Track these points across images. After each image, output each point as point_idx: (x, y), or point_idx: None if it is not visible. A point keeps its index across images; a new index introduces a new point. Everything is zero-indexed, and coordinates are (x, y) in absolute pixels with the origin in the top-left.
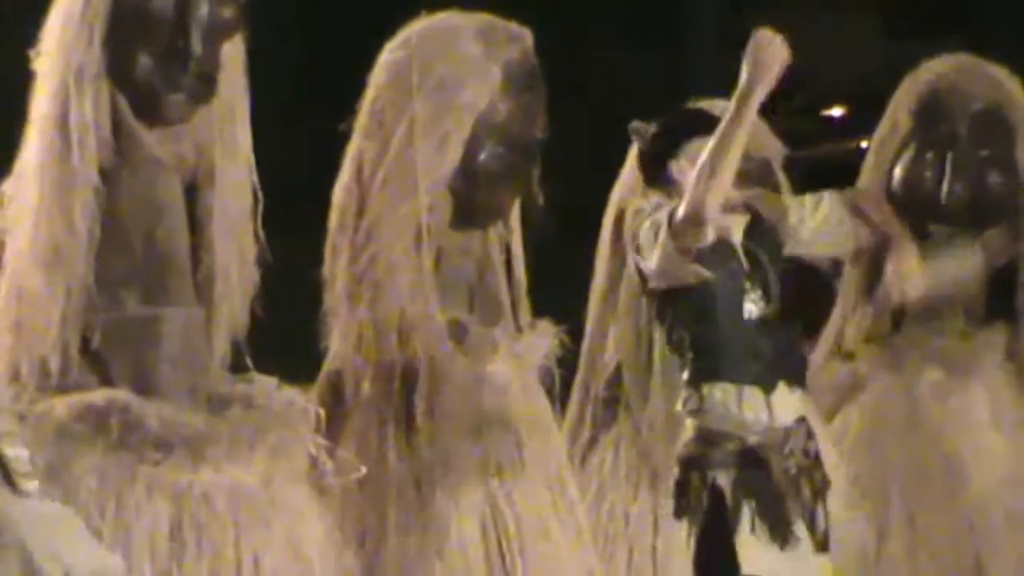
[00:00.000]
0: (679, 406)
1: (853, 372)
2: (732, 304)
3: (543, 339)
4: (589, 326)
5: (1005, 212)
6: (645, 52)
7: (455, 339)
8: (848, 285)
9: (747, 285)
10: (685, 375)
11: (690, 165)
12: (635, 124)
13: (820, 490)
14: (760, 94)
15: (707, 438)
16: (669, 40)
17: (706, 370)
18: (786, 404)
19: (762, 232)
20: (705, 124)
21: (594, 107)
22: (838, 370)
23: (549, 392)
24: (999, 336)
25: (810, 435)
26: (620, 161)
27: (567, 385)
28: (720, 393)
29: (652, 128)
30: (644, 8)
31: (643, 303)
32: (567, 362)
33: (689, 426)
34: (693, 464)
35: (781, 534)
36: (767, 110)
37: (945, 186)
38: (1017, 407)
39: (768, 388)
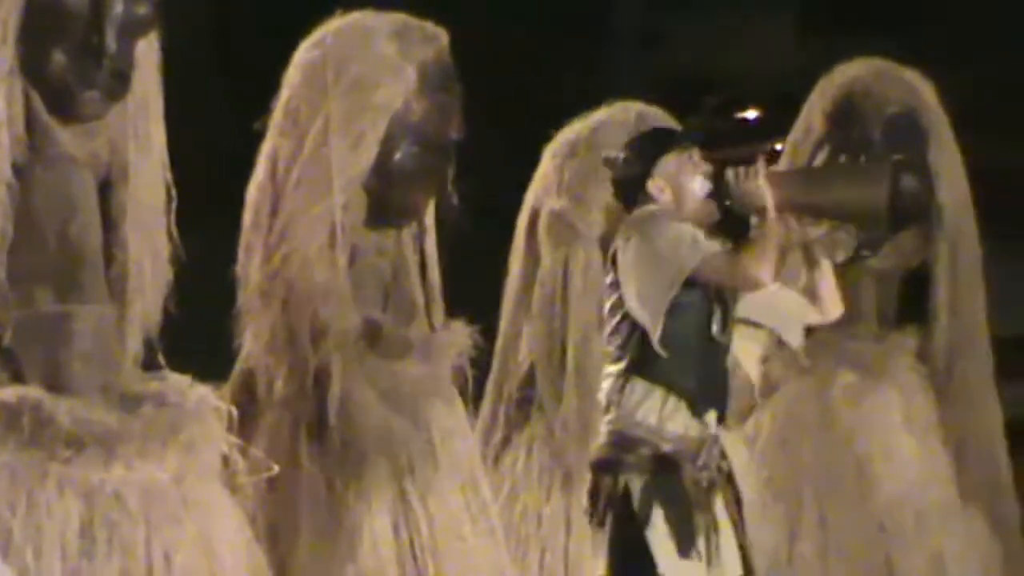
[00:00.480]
0: (599, 395)
1: (766, 375)
2: (702, 319)
3: (457, 339)
4: (503, 326)
5: (918, 215)
6: (562, 52)
7: (369, 339)
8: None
9: (714, 307)
10: (620, 365)
11: (665, 182)
12: (606, 155)
13: (734, 506)
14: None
15: (620, 443)
16: (587, 40)
17: (646, 367)
18: (709, 427)
19: None
20: (671, 140)
21: (511, 107)
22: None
23: (462, 392)
24: (911, 339)
25: (723, 454)
26: (535, 161)
27: (480, 385)
28: (643, 393)
29: (622, 154)
30: (561, 8)
31: (557, 304)
32: (480, 362)
33: (603, 431)
34: (604, 468)
35: (685, 543)
36: (682, 110)
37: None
38: (928, 409)
39: (698, 410)
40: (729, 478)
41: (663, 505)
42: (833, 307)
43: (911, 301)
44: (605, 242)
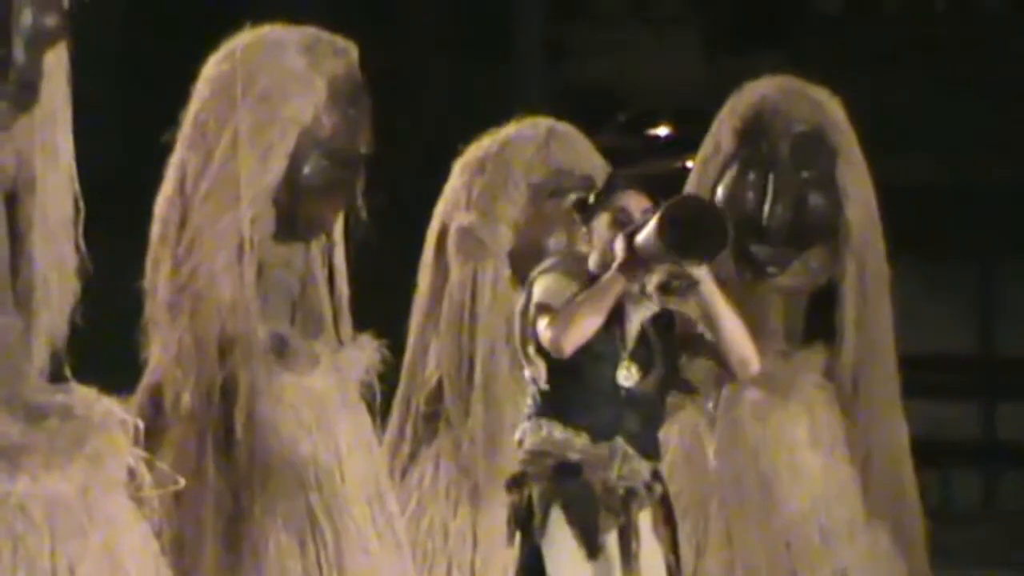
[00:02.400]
0: (516, 436)
1: (687, 382)
2: (604, 367)
3: (365, 353)
4: (411, 341)
5: (826, 233)
6: (472, 66)
7: (276, 352)
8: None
9: (623, 355)
10: (530, 409)
11: (593, 233)
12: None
13: (666, 528)
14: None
15: (528, 459)
16: (496, 54)
17: (556, 410)
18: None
19: (666, 324)
20: (606, 193)
21: (420, 121)
22: None
23: (370, 406)
24: (818, 356)
25: (657, 476)
26: (445, 175)
27: (388, 400)
28: (549, 427)
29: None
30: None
31: (465, 319)
32: (388, 376)
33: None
34: (513, 485)
35: (589, 542)
36: (592, 126)
37: (767, 207)
38: (834, 426)
39: (602, 436)
40: (663, 501)
41: (562, 507)
42: (740, 365)
43: (818, 318)
44: (514, 257)
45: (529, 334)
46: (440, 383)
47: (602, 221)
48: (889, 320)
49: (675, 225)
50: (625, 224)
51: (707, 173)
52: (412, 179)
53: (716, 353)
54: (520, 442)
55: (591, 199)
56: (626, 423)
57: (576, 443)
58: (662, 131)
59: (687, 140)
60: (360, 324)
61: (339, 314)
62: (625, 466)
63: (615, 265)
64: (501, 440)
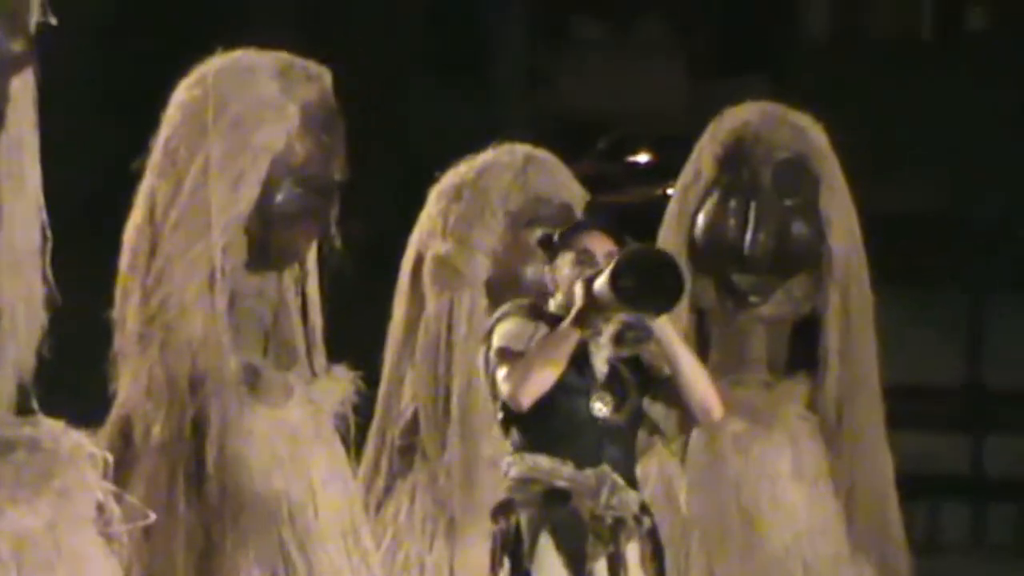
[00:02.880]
0: (502, 469)
1: (653, 422)
2: (578, 400)
3: (339, 384)
4: (386, 372)
5: (809, 261)
6: (449, 92)
7: (248, 384)
8: None
9: (596, 387)
10: (513, 443)
11: (556, 274)
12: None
13: (653, 562)
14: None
15: (515, 486)
16: (474, 80)
17: (537, 443)
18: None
19: (634, 357)
20: (570, 233)
21: (396, 148)
22: None
23: (344, 439)
24: (801, 386)
25: (645, 510)
26: (420, 204)
27: (363, 432)
28: (532, 458)
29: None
30: (448, 48)
31: (441, 350)
32: (363, 408)
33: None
34: (500, 512)
35: (577, 569)
36: (571, 152)
37: (748, 235)
38: (818, 458)
39: (590, 463)
40: (652, 535)
41: (551, 533)
42: (701, 411)
43: (802, 348)
44: (491, 287)
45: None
46: (416, 415)
47: (565, 261)
48: (874, 350)
49: (629, 276)
50: (587, 266)
51: (687, 200)
52: (387, 207)
53: (678, 398)
54: (506, 473)
55: (555, 237)
56: (608, 452)
57: (563, 471)
58: (642, 158)
59: (667, 167)
60: (334, 355)
61: (312, 345)
62: (614, 496)
63: (572, 314)
64: (478, 473)
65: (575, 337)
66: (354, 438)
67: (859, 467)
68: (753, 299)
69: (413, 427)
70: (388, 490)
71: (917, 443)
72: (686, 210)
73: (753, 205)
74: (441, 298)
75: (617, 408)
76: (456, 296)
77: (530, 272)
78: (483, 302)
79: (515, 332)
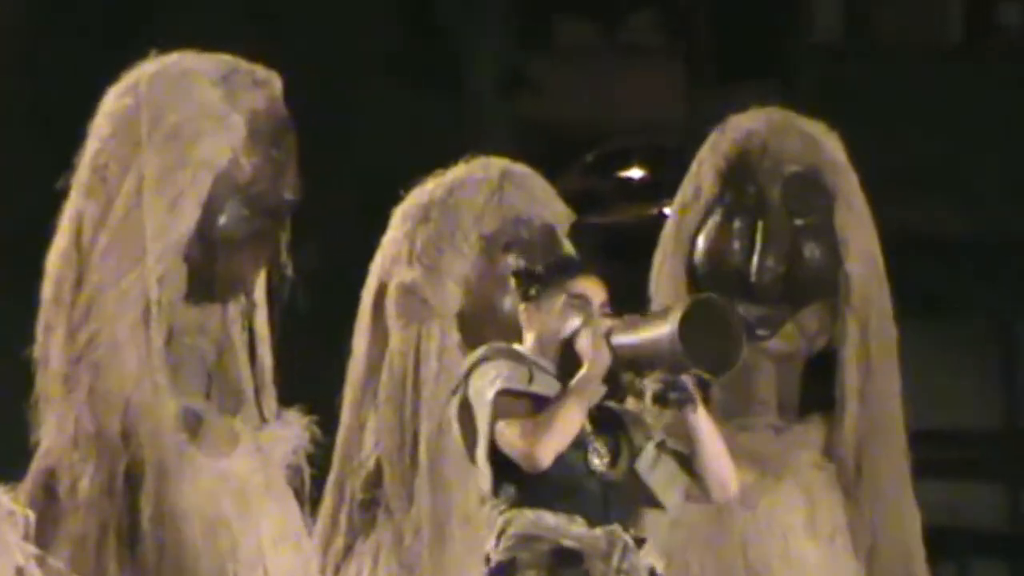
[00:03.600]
0: (496, 526)
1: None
2: (574, 453)
3: (291, 431)
4: (345, 417)
5: (823, 289)
6: (415, 100)
7: (189, 431)
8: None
9: (590, 439)
10: (504, 501)
11: (534, 311)
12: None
13: None
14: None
15: (516, 544)
16: (444, 86)
17: (538, 499)
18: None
19: (616, 413)
20: (558, 273)
21: (355, 163)
22: None
23: (298, 493)
24: (815, 431)
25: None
26: (383, 226)
27: (319, 485)
28: (533, 512)
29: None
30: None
31: (407, 391)
32: (319, 459)
33: (497, 547)
34: (500, 573)
35: None
36: (555, 168)
37: (755, 260)
38: (835, 512)
39: (598, 522)
40: None
41: None
42: (719, 487)
43: (816, 388)
44: (463, 319)
45: (474, 437)
46: (379, 465)
47: (552, 304)
48: (897, 389)
49: (698, 330)
50: (580, 312)
51: (686, 221)
52: (346, 230)
53: (692, 472)
54: (502, 530)
55: (539, 271)
56: (614, 510)
57: (571, 529)
58: (635, 173)
59: (663, 183)
60: (286, 398)
61: (262, 386)
62: (625, 560)
63: (592, 369)
64: (450, 531)
65: (596, 393)
66: (309, 492)
67: (881, 521)
68: (761, 332)
69: (376, 479)
70: (348, 551)
71: (947, 494)
72: (684, 231)
73: (760, 225)
74: (407, 332)
75: (613, 462)
76: (424, 329)
77: (508, 303)
78: (455, 336)
79: (508, 377)
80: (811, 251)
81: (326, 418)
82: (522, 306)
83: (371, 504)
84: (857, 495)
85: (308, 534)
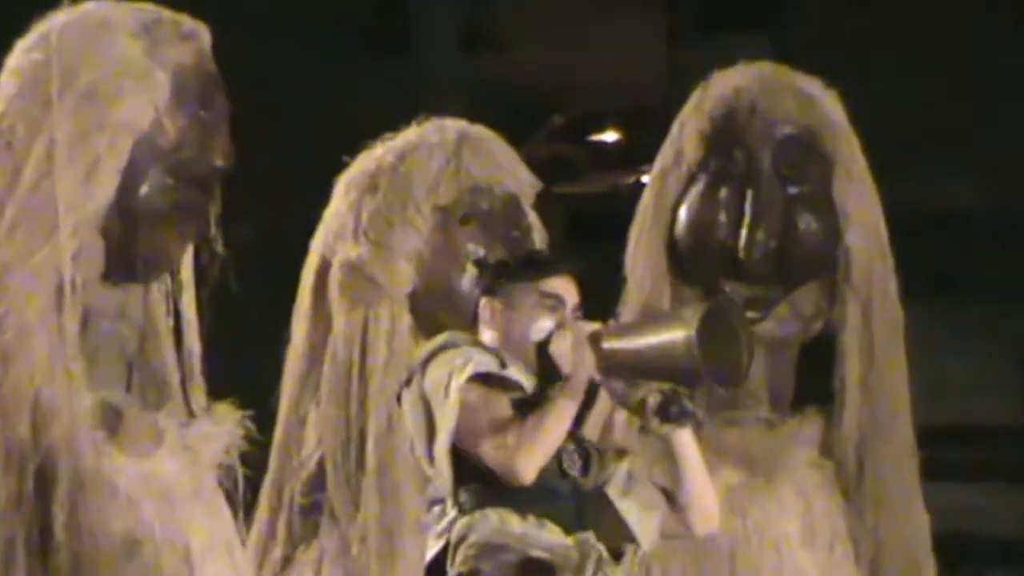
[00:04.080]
0: (454, 534)
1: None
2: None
3: (223, 428)
4: (283, 411)
5: (820, 266)
6: (362, 56)
7: (107, 428)
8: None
9: (566, 441)
10: (463, 504)
11: (500, 306)
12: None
13: None
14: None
15: (479, 554)
16: (394, 41)
17: (505, 500)
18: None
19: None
20: (531, 268)
21: (294, 127)
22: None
23: (230, 497)
24: (812, 426)
25: None
26: (326, 197)
27: (255, 488)
28: (497, 515)
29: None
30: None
31: (353, 382)
32: (255, 458)
33: (455, 558)
34: None
35: None
36: (520, 130)
37: (744, 233)
38: (834, 518)
39: (570, 528)
40: None
41: None
42: (703, 521)
43: (812, 378)
44: (416, 300)
45: (430, 432)
46: (321, 466)
47: (521, 301)
48: (904, 380)
49: (712, 340)
50: (554, 313)
51: (666, 190)
52: (284, 201)
53: (673, 503)
54: (461, 538)
55: (507, 264)
56: (587, 516)
57: (540, 537)
58: (609, 137)
59: (641, 148)
60: (217, 390)
61: (189, 377)
62: (600, 573)
63: (578, 375)
64: (401, 539)
65: (580, 401)
66: (243, 496)
67: (886, 528)
68: (750, 315)
69: (318, 481)
70: (286, 562)
71: (960, 497)
72: (664, 202)
73: (749, 195)
74: (352, 315)
75: (585, 467)
76: (371, 312)
77: (466, 282)
78: (406, 320)
79: (480, 362)
80: (807, 223)
81: (262, 413)
82: (484, 300)
83: (313, 509)
84: (859, 498)
85: (241, 543)
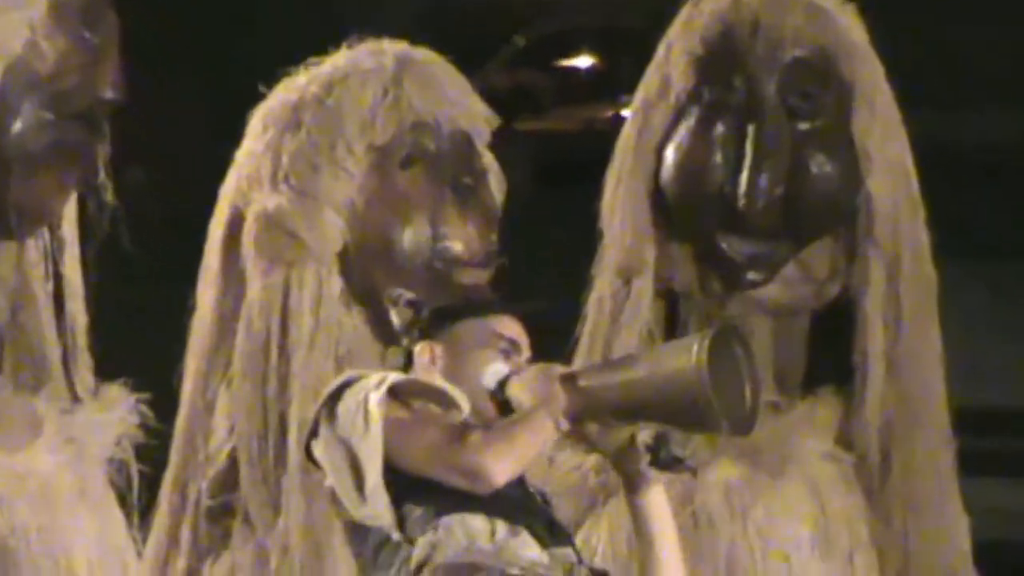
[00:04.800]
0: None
1: (603, 467)
2: None
3: (113, 414)
4: (187, 394)
5: (836, 217)
6: None
7: None
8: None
9: None
10: (417, 521)
11: (443, 351)
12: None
13: None
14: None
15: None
16: None
17: (471, 504)
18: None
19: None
20: (477, 309)
21: (200, 54)
22: (580, 462)
23: (123, 498)
24: (827, 411)
25: None
26: (238, 135)
27: (152, 487)
28: (463, 528)
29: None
30: None
31: (272, 356)
32: (153, 451)
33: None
34: None
35: None
36: (473, 55)
37: (744, 178)
38: (853, 520)
39: (544, 540)
40: None
41: None
42: None
43: (827, 352)
44: (347, 260)
45: (356, 473)
46: (234, 460)
47: (471, 343)
48: (937, 355)
49: (717, 378)
50: (508, 356)
51: (650, 126)
52: (187, 140)
53: None
54: (423, 563)
55: (443, 307)
56: (560, 530)
57: (520, 555)
58: (581, 62)
59: (619, 76)
60: (107, 369)
61: (72, 354)
62: None
63: (547, 415)
64: (331, 549)
65: (551, 437)
66: (139, 497)
67: (917, 534)
68: (751, 276)
69: (230, 479)
70: (193, 575)
71: (1005, 496)
72: (647, 141)
73: (751, 131)
74: (271, 278)
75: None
76: (294, 274)
77: (408, 237)
78: (336, 283)
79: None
80: (820, 165)
81: (162, 396)
82: (420, 345)
83: (223, 513)
84: (884, 498)
85: (137, 554)
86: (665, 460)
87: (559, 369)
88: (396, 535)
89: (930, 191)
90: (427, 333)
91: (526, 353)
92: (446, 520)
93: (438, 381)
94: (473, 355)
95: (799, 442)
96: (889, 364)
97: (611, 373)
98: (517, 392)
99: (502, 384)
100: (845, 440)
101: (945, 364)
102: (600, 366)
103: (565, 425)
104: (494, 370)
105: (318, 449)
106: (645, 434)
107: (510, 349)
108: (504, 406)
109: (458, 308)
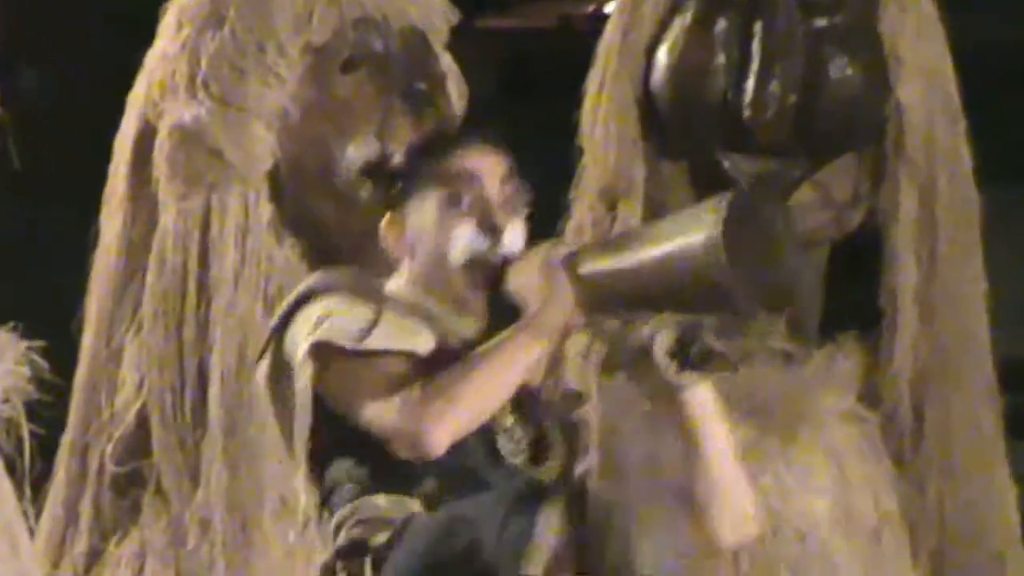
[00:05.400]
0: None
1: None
2: (483, 438)
3: (1, 366)
4: (87, 342)
5: (859, 131)
6: None
7: None
8: None
9: (503, 414)
10: (348, 482)
11: (412, 228)
12: None
13: None
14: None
15: (363, 521)
16: None
17: (391, 480)
18: None
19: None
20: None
21: None
22: None
23: (11, 465)
24: (849, 361)
25: None
26: (148, 35)
27: (47, 452)
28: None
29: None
30: None
31: (189, 297)
32: (48, 409)
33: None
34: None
35: None
36: None
37: (751, 84)
38: (880, 490)
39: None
40: None
41: None
42: (733, 525)
43: (849, 291)
44: (278, 180)
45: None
46: (144, 421)
47: (427, 203)
48: (979, 296)
49: (739, 247)
50: (472, 207)
51: (638, 23)
52: (86, 41)
53: (685, 504)
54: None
55: (405, 159)
56: (546, 519)
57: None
58: None
59: None
60: None
61: None
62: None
63: (553, 313)
64: (259, 525)
65: (542, 348)
66: (31, 464)
67: (955, 507)
68: None
69: (139, 442)
70: (95, 557)
71: None
72: (635, 41)
73: (758, 29)
74: (188, 203)
75: (535, 460)
76: (216, 199)
77: (352, 153)
78: (266, 210)
79: (333, 326)
80: (840, 70)
81: (59, 345)
82: (385, 218)
83: (131, 483)
84: (916, 465)
85: (29, 532)
86: (697, 358)
87: (564, 250)
88: (314, 514)
89: (973, 102)
90: (390, 200)
91: (495, 192)
92: (378, 499)
93: (408, 274)
94: (433, 220)
95: (815, 399)
96: (922, 306)
97: (612, 254)
98: (516, 282)
99: (481, 259)
100: (870, 396)
101: (989, 307)
102: (600, 244)
103: (578, 321)
104: (456, 236)
105: (259, 373)
106: (662, 337)
107: (464, 188)
108: (490, 278)
109: (415, 154)
